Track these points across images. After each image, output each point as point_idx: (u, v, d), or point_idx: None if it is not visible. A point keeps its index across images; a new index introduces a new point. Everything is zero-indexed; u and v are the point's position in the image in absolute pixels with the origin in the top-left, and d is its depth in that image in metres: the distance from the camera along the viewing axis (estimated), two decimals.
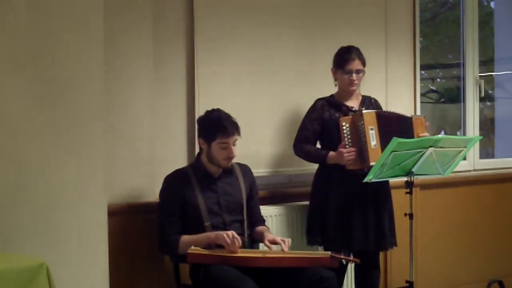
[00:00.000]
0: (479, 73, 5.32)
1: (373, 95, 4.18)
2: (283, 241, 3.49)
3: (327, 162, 3.90)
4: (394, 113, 3.99)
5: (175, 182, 3.53)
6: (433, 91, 6.34)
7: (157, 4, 3.76)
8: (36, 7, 3.03)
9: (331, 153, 3.87)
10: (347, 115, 3.91)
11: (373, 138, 3.78)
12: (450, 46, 6.26)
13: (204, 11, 3.94)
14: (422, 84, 5.22)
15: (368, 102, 4.08)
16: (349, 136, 3.83)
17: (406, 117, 3.95)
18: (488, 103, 6.16)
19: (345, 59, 3.94)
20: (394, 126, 3.84)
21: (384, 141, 3.73)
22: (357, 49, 3.99)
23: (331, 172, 3.93)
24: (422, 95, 5.27)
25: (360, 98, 4.08)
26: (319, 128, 3.97)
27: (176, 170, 3.61)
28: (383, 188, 3.96)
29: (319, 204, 3.97)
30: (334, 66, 4.02)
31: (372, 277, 4.05)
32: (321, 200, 3.96)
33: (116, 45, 3.54)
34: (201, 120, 3.57)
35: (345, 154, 3.79)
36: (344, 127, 3.84)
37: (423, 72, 5.57)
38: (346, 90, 3.99)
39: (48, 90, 3.05)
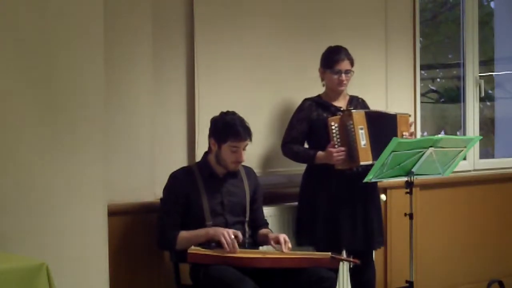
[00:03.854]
0: (479, 73, 5.32)
1: (373, 95, 4.18)
2: (285, 240, 3.49)
3: (315, 162, 3.90)
4: (381, 111, 3.99)
5: (180, 179, 3.53)
6: (433, 91, 6.34)
7: (157, 6, 3.76)
8: (37, 10, 3.03)
9: (320, 153, 3.87)
10: (335, 115, 3.90)
11: (362, 138, 3.77)
12: (450, 46, 6.26)
13: (204, 13, 3.94)
14: (422, 84, 5.22)
15: (356, 102, 4.07)
16: (338, 136, 3.82)
17: (391, 115, 3.94)
18: (488, 103, 6.16)
19: (334, 60, 3.93)
20: (381, 124, 3.84)
21: (373, 140, 3.75)
22: (345, 49, 3.98)
23: (319, 172, 3.93)
24: (422, 95, 5.27)
25: (348, 98, 4.07)
26: (307, 128, 3.97)
27: (182, 168, 3.62)
28: (370, 188, 3.95)
29: (308, 204, 3.97)
30: (322, 66, 4.00)
31: (367, 276, 4.04)
32: (310, 200, 3.96)
33: (116, 46, 3.54)
34: (216, 120, 3.57)
35: (335, 154, 3.79)
36: (333, 127, 3.82)
37: (423, 72, 5.57)
38: (335, 90, 3.98)
39: (48, 91, 3.06)
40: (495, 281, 4.80)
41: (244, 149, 3.52)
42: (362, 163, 3.75)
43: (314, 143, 3.98)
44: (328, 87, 4.01)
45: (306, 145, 4.04)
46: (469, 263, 5.08)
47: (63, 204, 3.10)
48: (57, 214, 3.08)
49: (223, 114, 3.57)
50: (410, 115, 3.97)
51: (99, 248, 3.21)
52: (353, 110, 3.84)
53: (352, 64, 3.98)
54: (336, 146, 3.81)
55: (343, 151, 3.80)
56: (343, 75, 3.93)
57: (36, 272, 2.55)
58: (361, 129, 3.78)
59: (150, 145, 3.73)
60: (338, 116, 3.87)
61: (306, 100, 4.02)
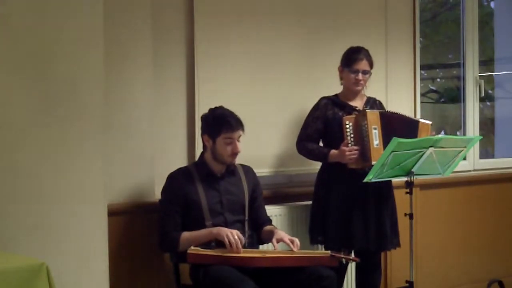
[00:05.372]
0: (479, 73, 5.32)
1: (372, 95, 4.18)
2: (292, 241, 3.49)
3: (328, 160, 3.90)
4: (399, 114, 3.98)
5: (178, 179, 3.53)
6: (433, 91, 6.35)
7: (157, 5, 3.76)
8: (36, 8, 3.03)
9: (333, 151, 3.88)
10: (350, 114, 3.92)
11: (375, 138, 3.78)
12: (450, 46, 6.26)
13: (204, 12, 3.94)
14: (422, 84, 5.22)
15: (373, 103, 4.08)
16: (352, 135, 3.83)
17: (413, 120, 3.97)
18: (488, 103, 6.17)
19: (353, 59, 3.95)
20: (398, 127, 3.83)
21: (386, 141, 3.73)
22: (366, 50, 3.99)
23: (332, 171, 3.93)
24: (422, 95, 5.27)
25: (365, 98, 4.08)
26: (322, 126, 3.98)
27: (179, 168, 3.62)
28: (385, 188, 3.96)
29: (321, 203, 3.97)
30: (341, 65, 4.02)
31: (373, 277, 4.05)
32: (323, 199, 3.96)
33: (116, 45, 3.54)
34: (205, 117, 3.59)
35: (347, 153, 3.80)
36: (347, 126, 3.84)
37: (423, 72, 5.58)
38: (351, 89, 3.99)
39: (48, 91, 3.05)
40: (495, 281, 4.80)
41: (238, 140, 3.53)
42: (374, 162, 3.74)
43: (328, 142, 3.99)
44: (346, 86, 4.02)
45: (321, 143, 4.04)
46: (469, 263, 5.09)
47: (63, 204, 3.09)
48: (57, 214, 3.08)
49: (212, 110, 3.59)
50: (432, 124, 3.96)
51: (99, 248, 3.21)
52: (367, 110, 3.85)
53: (371, 65, 3.99)
54: (350, 145, 3.82)
55: (356, 150, 3.80)
56: (360, 74, 3.94)
57: (36, 272, 2.55)
58: (375, 129, 3.79)
59: (150, 145, 3.73)
60: (353, 116, 3.88)
61: (322, 98, 4.03)
